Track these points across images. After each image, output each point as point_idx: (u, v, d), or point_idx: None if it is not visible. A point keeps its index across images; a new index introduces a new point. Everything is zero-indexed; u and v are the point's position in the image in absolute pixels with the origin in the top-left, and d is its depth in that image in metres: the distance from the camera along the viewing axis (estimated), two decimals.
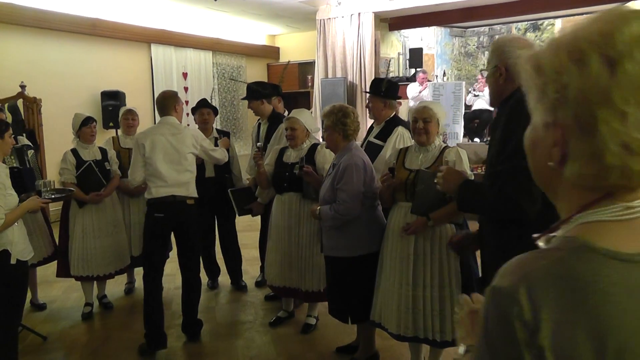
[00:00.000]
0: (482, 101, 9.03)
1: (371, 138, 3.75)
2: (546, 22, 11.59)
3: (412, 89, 9.15)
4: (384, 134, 3.66)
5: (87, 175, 3.98)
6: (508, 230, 1.91)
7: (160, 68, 9.10)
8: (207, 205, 4.21)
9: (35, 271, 4.14)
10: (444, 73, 11.44)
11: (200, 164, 4.08)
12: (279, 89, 4.62)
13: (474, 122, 8.81)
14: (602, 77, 0.64)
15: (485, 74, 2.21)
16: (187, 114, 6.99)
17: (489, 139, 8.33)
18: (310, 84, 10.65)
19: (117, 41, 8.26)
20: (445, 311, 2.70)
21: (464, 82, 9.40)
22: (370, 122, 4.79)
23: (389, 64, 10.16)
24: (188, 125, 6.35)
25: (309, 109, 8.01)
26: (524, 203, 1.78)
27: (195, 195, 3.59)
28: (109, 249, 4.09)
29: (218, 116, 9.82)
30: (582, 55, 0.66)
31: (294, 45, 11.59)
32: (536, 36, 11.69)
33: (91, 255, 4.02)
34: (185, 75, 9.63)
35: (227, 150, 4.28)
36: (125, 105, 7.16)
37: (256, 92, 4.36)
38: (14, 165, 3.64)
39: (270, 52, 11.66)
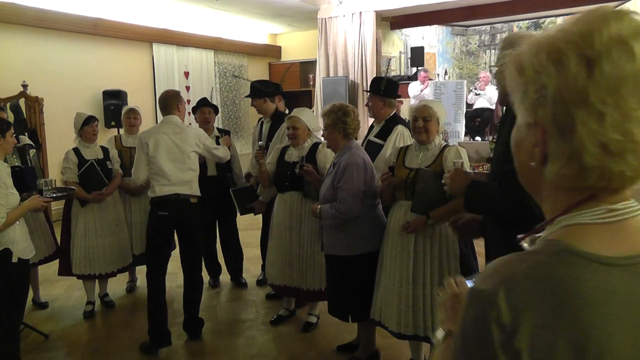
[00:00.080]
0: (483, 100, 9.02)
1: (371, 137, 3.76)
2: (547, 20, 11.56)
3: (414, 88, 9.15)
4: (384, 132, 3.66)
5: (89, 174, 3.99)
6: (514, 229, 1.90)
7: (162, 67, 9.12)
8: (208, 203, 4.22)
9: (37, 270, 4.16)
10: (446, 72, 11.43)
11: (202, 163, 4.09)
12: (279, 88, 4.63)
13: (476, 120, 8.81)
14: (580, 78, 0.64)
15: (495, 70, 2.19)
16: (189, 113, 7.02)
17: (490, 137, 8.37)
18: (311, 83, 10.66)
19: (118, 41, 8.27)
20: None
21: (465, 81, 9.39)
22: (371, 121, 4.79)
23: (389, 62, 10.15)
24: (190, 124, 6.36)
25: (310, 108, 8.01)
26: (531, 202, 1.78)
27: (198, 193, 3.60)
28: (111, 248, 4.11)
29: (220, 115, 9.86)
30: (561, 55, 0.65)
31: (295, 44, 11.59)
32: None
33: (93, 254, 4.03)
34: (187, 74, 9.64)
35: (229, 148, 4.29)
36: (127, 104, 7.17)
37: (259, 91, 4.37)
38: (16, 164, 3.65)
39: (271, 51, 11.66)
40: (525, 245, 0.74)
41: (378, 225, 3.03)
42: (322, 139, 3.59)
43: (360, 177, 2.94)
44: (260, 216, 4.44)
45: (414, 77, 9.73)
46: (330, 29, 9.40)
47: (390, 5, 8.89)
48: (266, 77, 10.85)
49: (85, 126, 4.02)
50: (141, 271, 4.22)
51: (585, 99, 0.64)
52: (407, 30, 11.17)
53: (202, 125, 4.46)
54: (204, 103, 4.55)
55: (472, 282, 1.00)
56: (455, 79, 11.51)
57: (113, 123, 7.60)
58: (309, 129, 3.62)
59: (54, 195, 3.36)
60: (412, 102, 8.74)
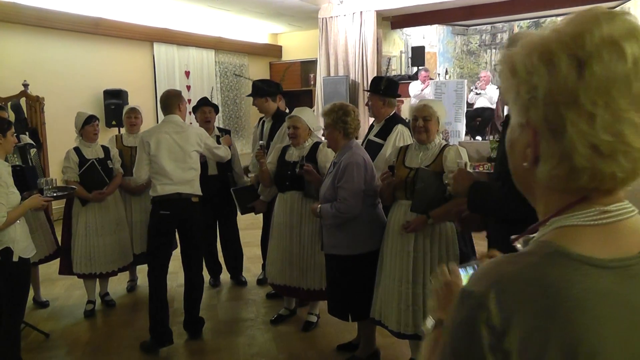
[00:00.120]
0: (484, 99, 9.01)
1: (371, 136, 3.76)
2: (548, 20, 11.55)
3: (414, 87, 9.15)
4: (384, 132, 3.67)
5: (90, 174, 4.00)
6: (517, 229, 1.90)
7: (163, 67, 9.12)
8: (209, 203, 4.23)
9: (38, 269, 4.17)
10: (446, 71, 11.42)
11: (203, 162, 4.10)
12: (279, 87, 4.64)
13: (476, 120, 8.80)
14: (570, 78, 0.63)
15: (499, 68, 2.18)
16: (190, 113, 7.02)
17: (490, 137, 8.37)
18: (312, 83, 10.67)
19: (119, 40, 8.28)
20: None
21: (466, 80, 9.38)
22: (371, 120, 4.80)
23: (389, 62, 10.14)
24: (191, 123, 6.37)
25: (311, 108, 8.01)
26: None
27: (200, 193, 3.61)
28: (112, 247, 4.11)
29: (220, 114, 9.87)
30: (552, 56, 0.65)
31: (296, 44, 11.59)
32: None
33: (94, 253, 4.04)
34: (187, 73, 9.65)
35: (229, 147, 4.29)
36: (127, 103, 7.18)
37: (261, 90, 4.37)
38: (17, 163, 3.66)
39: (272, 51, 11.67)
40: (518, 246, 0.74)
41: (378, 225, 3.04)
42: (323, 138, 3.60)
43: (361, 177, 2.94)
44: (260, 215, 4.44)
45: (414, 77, 9.73)
46: (331, 29, 9.41)
47: (391, 4, 8.89)
48: (267, 77, 10.85)
49: (86, 125, 4.02)
50: (142, 270, 4.23)
51: (576, 99, 0.63)
52: (407, 30, 11.17)
53: (203, 124, 4.46)
54: (204, 102, 4.56)
55: (465, 270, 1.01)
56: (455, 78, 11.51)
57: (114, 122, 7.61)
58: (309, 129, 3.62)
59: (55, 194, 3.37)
60: (413, 101, 8.75)
